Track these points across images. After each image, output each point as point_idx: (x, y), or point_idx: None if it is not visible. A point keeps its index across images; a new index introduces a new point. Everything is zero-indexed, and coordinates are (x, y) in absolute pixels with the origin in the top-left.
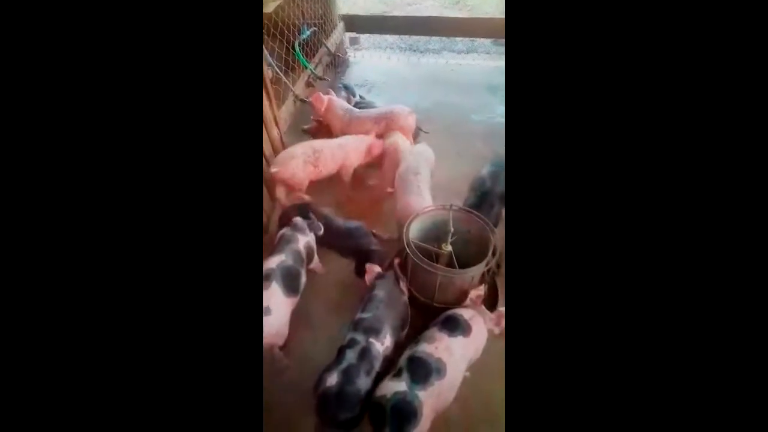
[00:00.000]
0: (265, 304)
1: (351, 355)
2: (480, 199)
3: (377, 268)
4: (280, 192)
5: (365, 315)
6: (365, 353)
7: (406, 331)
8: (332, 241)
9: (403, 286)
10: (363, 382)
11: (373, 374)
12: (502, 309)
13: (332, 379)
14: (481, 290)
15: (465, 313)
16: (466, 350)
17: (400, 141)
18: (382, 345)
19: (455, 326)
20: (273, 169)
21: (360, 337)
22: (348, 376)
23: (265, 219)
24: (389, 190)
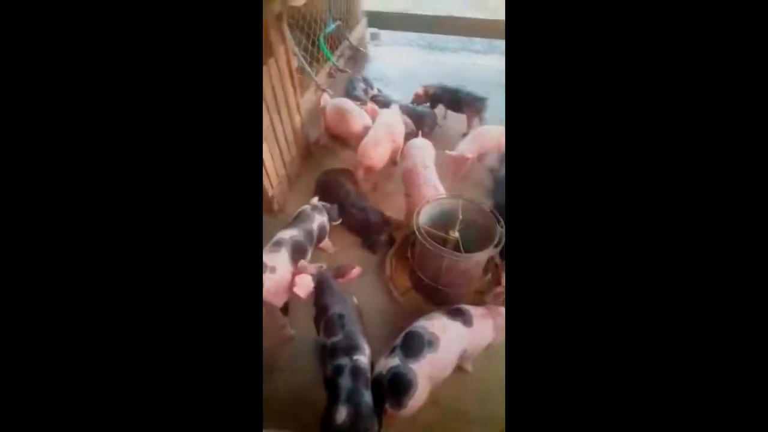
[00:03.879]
0: (273, 264)
1: (346, 381)
2: None
3: (306, 267)
4: (360, 174)
5: (336, 338)
6: (356, 371)
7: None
8: (346, 215)
9: (339, 281)
10: (368, 396)
11: (370, 384)
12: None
13: (341, 415)
14: (501, 289)
15: (475, 309)
16: (463, 337)
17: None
18: (366, 356)
19: (458, 314)
20: (365, 159)
21: (344, 360)
22: (353, 401)
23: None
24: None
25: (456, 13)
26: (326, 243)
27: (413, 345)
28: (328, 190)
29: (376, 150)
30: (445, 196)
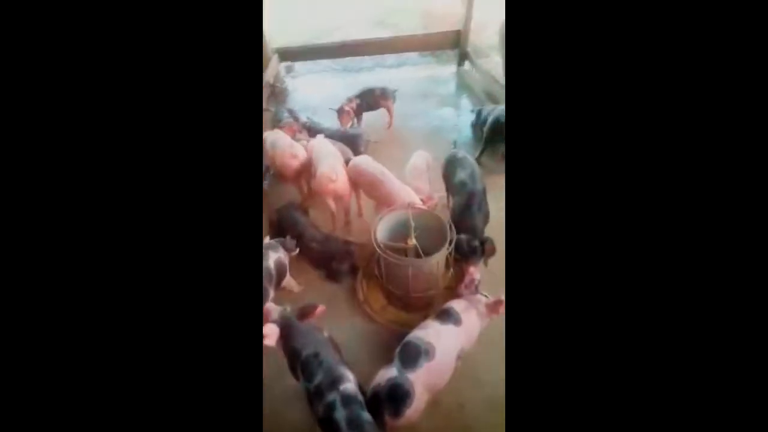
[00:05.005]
0: None
1: (341, 413)
2: (468, 199)
3: (272, 328)
4: (332, 204)
5: (317, 380)
6: (347, 399)
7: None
8: (305, 249)
9: (312, 319)
10: (367, 416)
11: (364, 404)
12: (501, 297)
13: None
14: (475, 275)
15: (458, 305)
16: (457, 338)
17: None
18: (352, 382)
19: (447, 317)
20: (330, 186)
21: (332, 395)
22: (355, 426)
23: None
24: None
25: (361, 36)
26: (289, 282)
27: (409, 355)
28: (284, 226)
29: (338, 175)
30: (392, 209)
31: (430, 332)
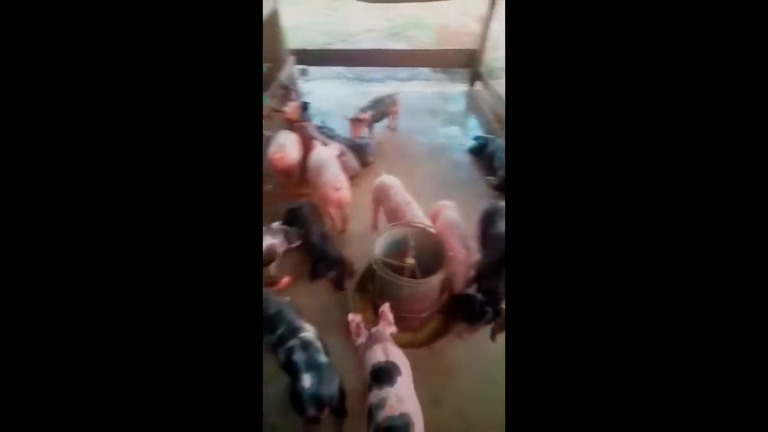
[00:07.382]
0: None
1: (300, 355)
2: (502, 256)
3: None
4: (333, 211)
5: (280, 331)
6: (306, 344)
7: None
8: (307, 243)
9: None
10: (322, 357)
11: (323, 351)
12: (383, 308)
13: (306, 381)
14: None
15: (379, 355)
16: (408, 381)
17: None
18: (311, 333)
19: (388, 376)
20: (334, 195)
21: (293, 341)
22: (313, 366)
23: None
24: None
25: (376, 46)
26: (273, 269)
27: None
28: (294, 221)
29: (342, 183)
30: (392, 225)
31: (394, 403)
